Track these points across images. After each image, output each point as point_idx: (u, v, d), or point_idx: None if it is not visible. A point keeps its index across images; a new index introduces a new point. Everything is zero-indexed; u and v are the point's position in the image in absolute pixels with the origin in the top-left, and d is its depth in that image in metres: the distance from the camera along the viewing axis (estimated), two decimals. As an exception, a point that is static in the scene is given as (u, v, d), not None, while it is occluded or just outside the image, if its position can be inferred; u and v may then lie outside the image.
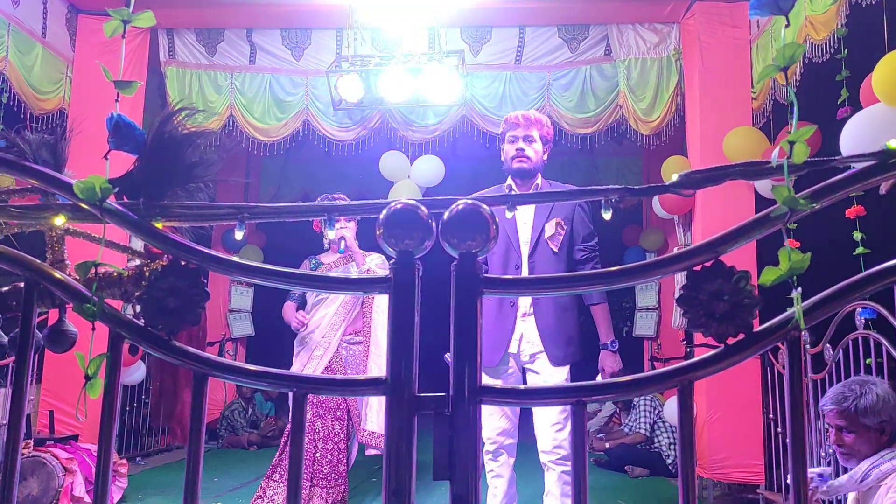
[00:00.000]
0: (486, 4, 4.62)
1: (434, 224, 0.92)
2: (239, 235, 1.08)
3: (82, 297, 0.96)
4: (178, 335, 0.96)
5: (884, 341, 2.70)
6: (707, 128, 4.36)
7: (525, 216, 2.91)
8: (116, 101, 1.06)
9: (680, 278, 4.08)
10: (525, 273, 2.86)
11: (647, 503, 4.55)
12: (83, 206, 0.97)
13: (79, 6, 4.70)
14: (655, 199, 5.11)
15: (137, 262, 1.25)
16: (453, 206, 0.92)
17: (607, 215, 1.04)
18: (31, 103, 4.34)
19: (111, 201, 0.99)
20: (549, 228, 2.88)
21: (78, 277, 1.01)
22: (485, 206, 0.92)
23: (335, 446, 3.75)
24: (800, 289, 0.84)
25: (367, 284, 1.01)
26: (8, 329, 1.20)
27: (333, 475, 3.71)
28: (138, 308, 0.96)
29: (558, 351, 2.81)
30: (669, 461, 5.36)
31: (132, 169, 1.09)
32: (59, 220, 1.08)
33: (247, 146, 4.98)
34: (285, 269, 1.00)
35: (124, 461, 4.48)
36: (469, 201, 0.92)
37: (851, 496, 2.04)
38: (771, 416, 3.99)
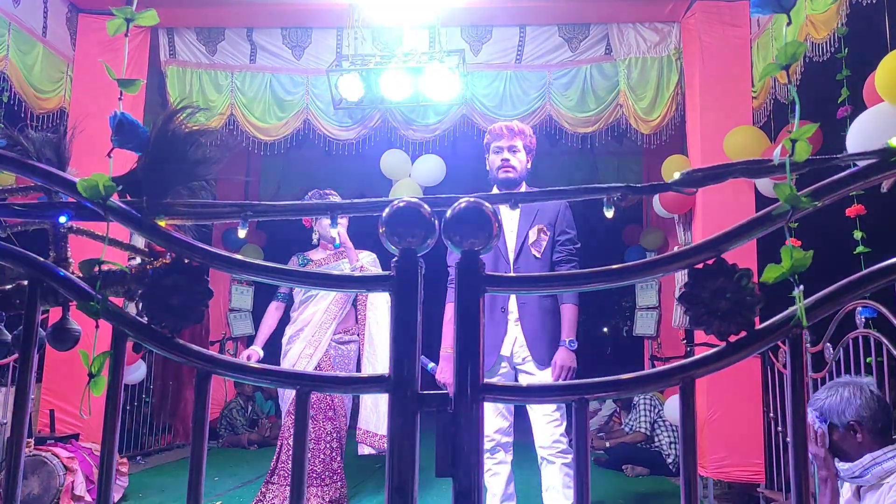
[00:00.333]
0: (486, 4, 4.62)
1: (437, 222, 0.92)
2: (242, 233, 1.09)
3: (86, 294, 0.96)
4: (182, 333, 0.96)
5: (884, 340, 2.71)
6: (707, 127, 4.36)
7: (511, 224, 2.99)
8: (119, 99, 1.05)
9: (680, 278, 4.08)
10: None
11: (647, 502, 4.56)
12: (87, 204, 0.97)
13: (79, 5, 4.70)
14: (655, 198, 5.10)
15: (139, 259, 1.25)
16: (456, 203, 0.92)
17: (609, 213, 1.04)
18: (31, 102, 4.34)
19: (114, 199, 0.99)
20: (532, 234, 2.97)
21: (81, 275, 1.01)
22: (487, 204, 0.92)
23: (327, 445, 3.76)
24: (802, 286, 0.85)
25: (370, 282, 1.01)
26: (11, 327, 1.21)
27: (328, 473, 3.72)
28: (141, 306, 0.96)
29: (543, 353, 2.90)
30: (670, 460, 5.37)
31: (135, 167, 1.10)
32: (63, 219, 1.08)
33: (247, 145, 4.98)
34: (288, 266, 1.00)
35: (125, 460, 4.49)
36: (472, 199, 0.92)
37: (847, 488, 2.02)
38: (771, 415, 4.00)
